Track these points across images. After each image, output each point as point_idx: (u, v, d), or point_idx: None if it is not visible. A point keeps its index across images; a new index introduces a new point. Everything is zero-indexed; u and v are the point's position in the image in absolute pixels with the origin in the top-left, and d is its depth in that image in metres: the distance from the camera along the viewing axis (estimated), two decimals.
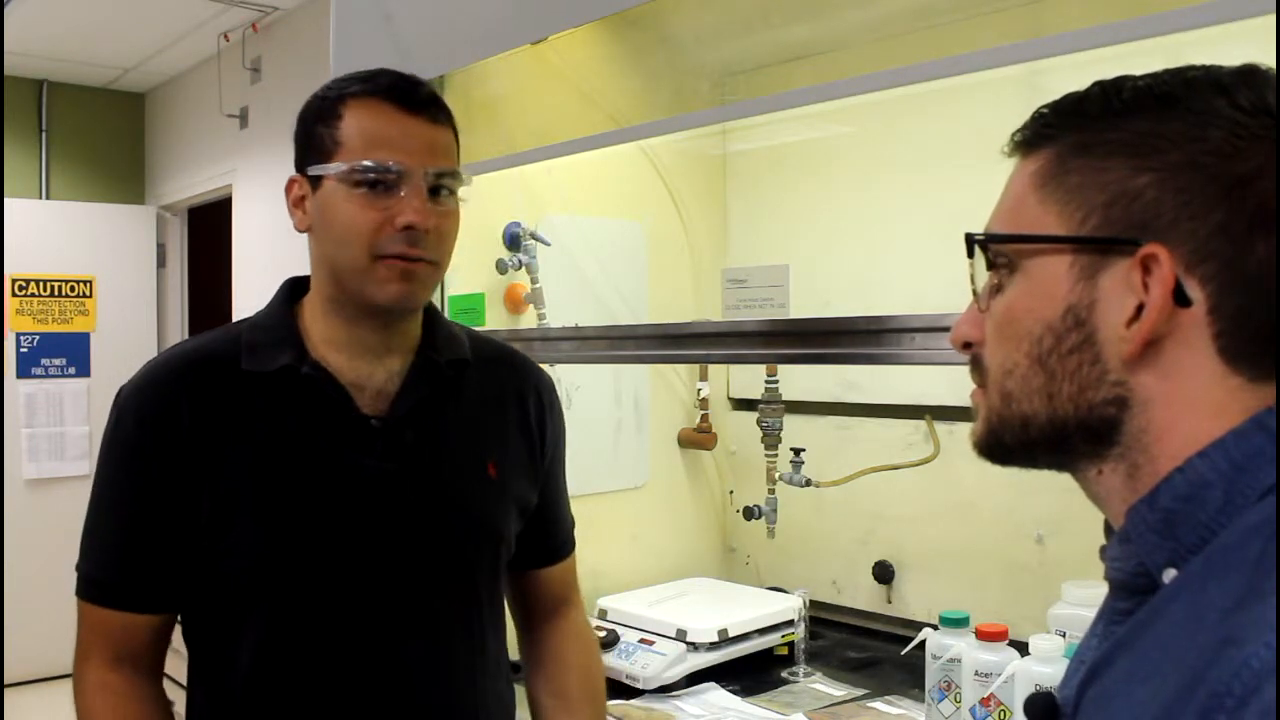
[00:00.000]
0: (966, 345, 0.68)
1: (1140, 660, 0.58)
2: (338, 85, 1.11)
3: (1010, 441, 0.65)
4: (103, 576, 1.11)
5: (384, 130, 1.07)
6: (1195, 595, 0.55)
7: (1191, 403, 0.58)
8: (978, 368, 0.67)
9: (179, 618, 1.16)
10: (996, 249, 0.65)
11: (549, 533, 1.31)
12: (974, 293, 0.67)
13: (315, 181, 1.09)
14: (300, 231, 1.13)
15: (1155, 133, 0.58)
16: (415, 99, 1.09)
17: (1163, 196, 0.58)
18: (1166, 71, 0.61)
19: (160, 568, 1.10)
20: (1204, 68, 0.60)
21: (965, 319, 0.68)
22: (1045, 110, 0.64)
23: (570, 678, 1.29)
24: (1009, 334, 0.64)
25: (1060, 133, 0.63)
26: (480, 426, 1.21)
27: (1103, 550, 0.65)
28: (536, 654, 1.32)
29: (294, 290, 1.18)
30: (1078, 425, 0.61)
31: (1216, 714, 0.49)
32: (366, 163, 1.05)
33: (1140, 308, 0.58)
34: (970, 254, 0.66)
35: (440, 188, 1.09)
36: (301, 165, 1.11)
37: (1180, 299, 0.57)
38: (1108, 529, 0.65)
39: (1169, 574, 0.58)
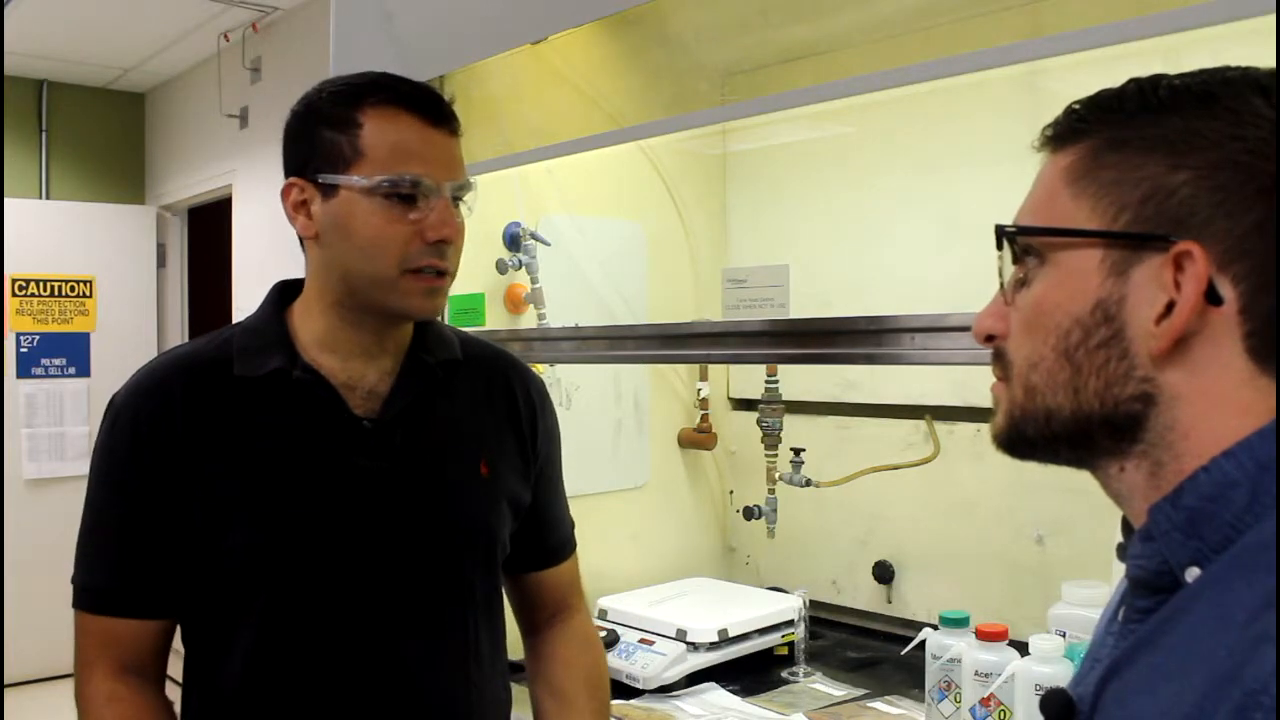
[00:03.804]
0: (989, 338, 0.68)
1: (1165, 658, 0.57)
2: (348, 90, 1.08)
3: (1032, 435, 0.64)
4: (101, 584, 1.10)
5: (412, 143, 1.06)
6: (1222, 594, 0.55)
7: (1219, 401, 0.58)
8: (1000, 361, 0.67)
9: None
10: (1025, 241, 0.64)
11: (544, 535, 1.31)
12: (1000, 285, 0.67)
13: (328, 189, 1.07)
14: (306, 237, 1.11)
15: (1193, 130, 0.58)
16: (440, 112, 1.09)
17: (1198, 194, 0.57)
18: (1203, 71, 0.61)
19: (158, 573, 1.10)
20: (1241, 68, 0.60)
21: (989, 311, 0.68)
22: (1078, 105, 0.64)
23: (571, 677, 1.28)
24: (1036, 327, 0.63)
25: (1094, 128, 0.62)
26: (472, 425, 1.21)
27: (1120, 548, 0.64)
28: (537, 656, 1.32)
29: (284, 294, 1.18)
30: (1102, 421, 0.61)
31: (1253, 712, 0.48)
32: (397, 177, 1.05)
33: (1171, 305, 0.58)
34: (999, 246, 0.66)
35: (457, 199, 1.10)
36: (303, 170, 1.09)
37: (1212, 297, 0.57)
38: (1126, 527, 0.65)
39: (1192, 573, 0.58)
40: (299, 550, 1.09)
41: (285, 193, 1.11)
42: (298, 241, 1.15)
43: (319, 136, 1.08)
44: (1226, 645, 0.52)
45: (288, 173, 1.12)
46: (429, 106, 1.08)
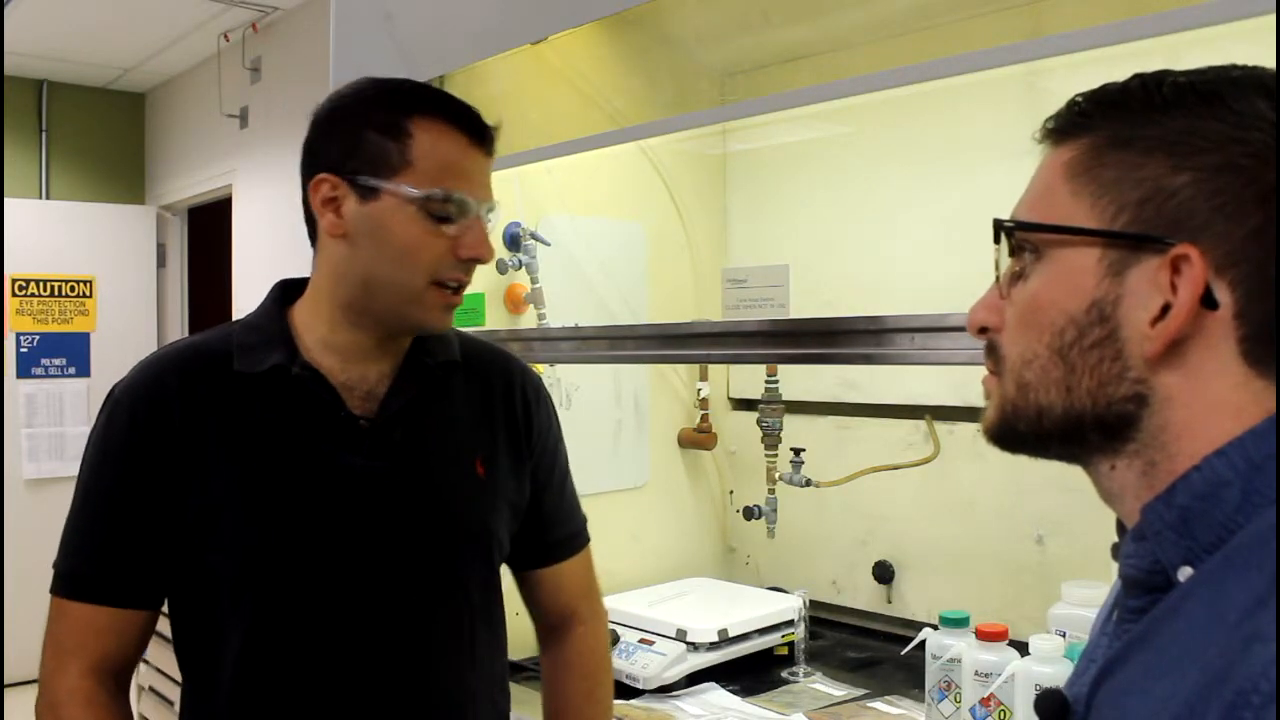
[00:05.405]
0: (982, 330, 0.67)
1: (1158, 657, 0.57)
2: (398, 97, 1.08)
3: (1023, 430, 0.64)
4: (85, 571, 1.10)
5: (460, 160, 1.08)
6: (1214, 593, 0.55)
7: (1212, 404, 0.58)
8: (993, 354, 0.67)
9: (169, 617, 1.15)
10: (1022, 236, 0.64)
11: (543, 531, 1.30)
12: (996, 278, 0.67)
13: (367, 191, 1.06)
14: (332, 235, 1.09)
15: (1196, 131, 0.58)
16: (485, 133, 1.11)
17: (1198, 197, 0.57)
18: (1208, 69, 0.60)
19: (143, 562, 1.09)
20: (1246, 67, 0.59)
21: (983, 304, 0.67)
22: (1081, 100, 0.63)
23: (566, 698, 1.32)
24: (1030, 323, 0.63)
25: (1097, 124, 0.62)
26: (468, 425, 1.21)
27: (1115, 548, 0.64)
28: (544, 673, 1.35)
29: (286, 292, 1.18)
30: (1094, 420, 0.61)
31: (1243, 710, 0.49)
32: (446, 193, 1.06)
33: (1166, 307, 0.58)
34: (997, 240, 0.66)
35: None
36: (339, 168, 1.07)
37: (1208, 301, 0.57)
38: (1120, 526, 0.65)
39: (1184, 572, 0.58)
40: (291, 546, 1.09)
41: (315, 187, 1.08)
42: (307, 237, 1.14)
43: (364, 137, 1.07)
44: (1218, 644, 0.52)
45: (316, 168, 1.09)
46: (476, 127, 1.10)
